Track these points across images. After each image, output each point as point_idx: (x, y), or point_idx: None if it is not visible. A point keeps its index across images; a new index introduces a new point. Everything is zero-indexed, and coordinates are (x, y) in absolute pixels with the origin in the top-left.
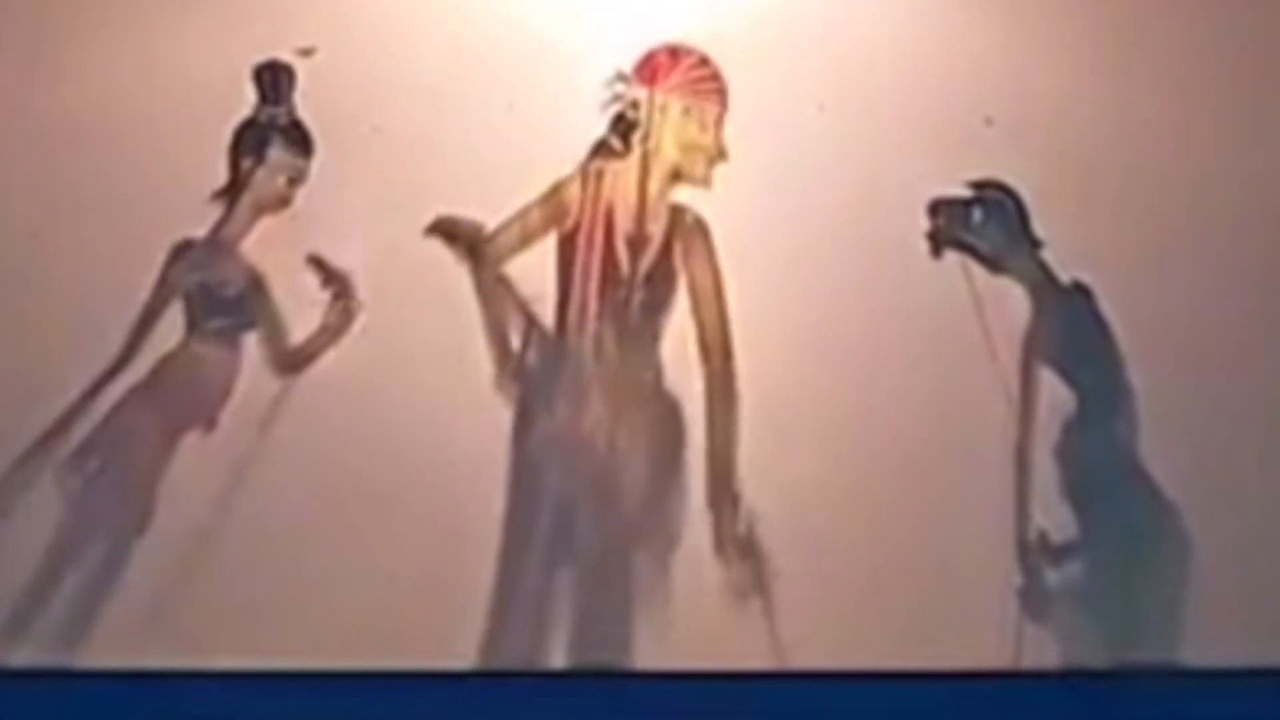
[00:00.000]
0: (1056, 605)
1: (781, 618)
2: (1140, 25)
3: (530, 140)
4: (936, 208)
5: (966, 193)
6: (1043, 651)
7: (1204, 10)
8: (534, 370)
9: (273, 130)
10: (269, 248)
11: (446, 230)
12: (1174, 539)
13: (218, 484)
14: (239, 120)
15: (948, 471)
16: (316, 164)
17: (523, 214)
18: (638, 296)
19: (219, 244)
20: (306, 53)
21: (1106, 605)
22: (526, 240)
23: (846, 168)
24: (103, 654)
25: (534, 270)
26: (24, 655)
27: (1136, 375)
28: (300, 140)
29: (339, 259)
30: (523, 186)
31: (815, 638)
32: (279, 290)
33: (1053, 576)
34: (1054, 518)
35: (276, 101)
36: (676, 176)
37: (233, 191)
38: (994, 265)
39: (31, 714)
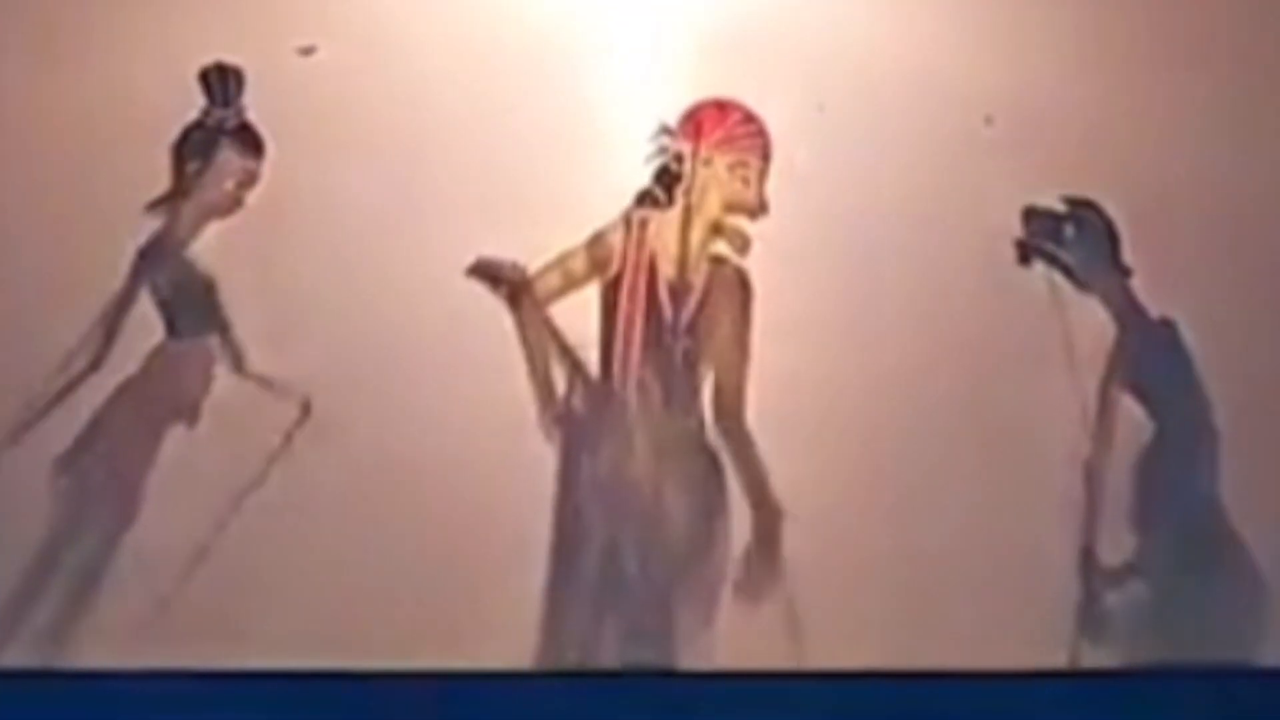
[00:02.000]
0: (1114, 625)
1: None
2: (1140, 25)
3: (542, 145)
4: (1029, 216)
5: (1060, 206)
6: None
7: (1205, 8)
8: (579, 414)
9: (221, 134)
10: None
11: (489, 273)
12: (1245, 581)
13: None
14: (183, 124)
15: (1013, 482)
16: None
17: (563, 259)
18: (681, 345)
19: (165, 248)
20: (307, 52)
21: (1166, 631)
22: (569, 286)
23: (846, 167)
24: (116, 653)
25: (579, 316)
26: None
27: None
28: (250, 143)
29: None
30: (529, 192)
31: (872, 639)
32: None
33: (1112, 598)
34: (1119, 544)
35: (225, 104)
36: (717, 230)
37: (176, 197)
38: (1080, 283)
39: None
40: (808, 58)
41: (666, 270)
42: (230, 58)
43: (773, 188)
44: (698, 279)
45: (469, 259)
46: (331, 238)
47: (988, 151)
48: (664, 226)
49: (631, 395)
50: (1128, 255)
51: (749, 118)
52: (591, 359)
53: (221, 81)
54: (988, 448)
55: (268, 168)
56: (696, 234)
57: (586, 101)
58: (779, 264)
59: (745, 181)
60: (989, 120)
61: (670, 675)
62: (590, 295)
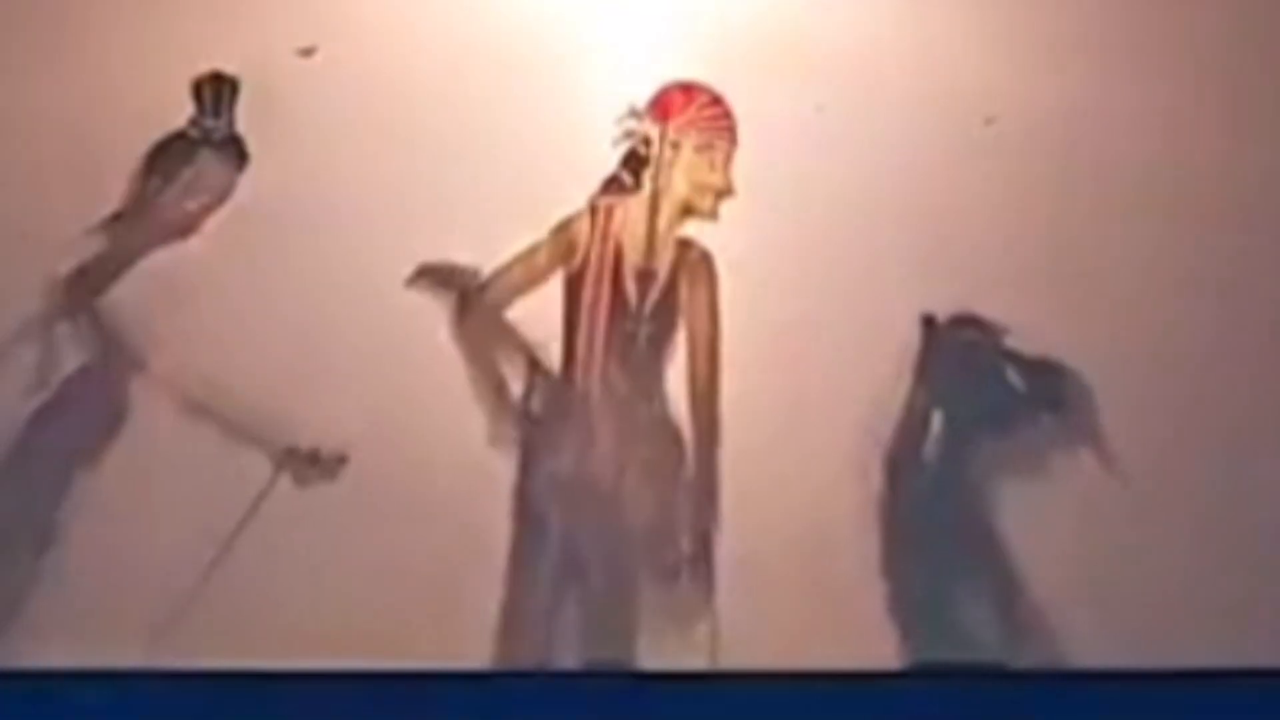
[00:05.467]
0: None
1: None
2: (1142, 24)
3: (528, 151)
4: None
5: None
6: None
7: (1208, 8)
8: (539, 412)
9: (205, 144)
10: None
11: (435, 278)
12: None
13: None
14: (160, 137)
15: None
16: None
17: (528, 254)
18: (645, 330)
19: (105, 271)
20: (307, 53)
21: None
22: (533, 281)
23: (845, 168)
24: (106, 653)
25: (539, 313)
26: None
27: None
28: (234, 156)
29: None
30: (520, 194)
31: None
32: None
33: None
34: None
35: (217, 114)
36: (686, 211)
37: (127, 215)
38: None
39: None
40: (807, 58)
41: (632, 257)
42: (228, 57)
43: (772, 188)
44: (663, 263)
45: (443, 255)
46: (312, 235)
47: (988, 151)
48: (630, 212)
49: (595, 381)
50: (1125, 254)
51: (715, 100)
52: (554, 351)
53: (216, 91)
54: None
55: (258, 166)
56: (664, 218)
57: (580, 104)
58: (777, 265)
59: (712, 165)
60: (989, 120)
61: (639, 676)
62: (554, 289)
